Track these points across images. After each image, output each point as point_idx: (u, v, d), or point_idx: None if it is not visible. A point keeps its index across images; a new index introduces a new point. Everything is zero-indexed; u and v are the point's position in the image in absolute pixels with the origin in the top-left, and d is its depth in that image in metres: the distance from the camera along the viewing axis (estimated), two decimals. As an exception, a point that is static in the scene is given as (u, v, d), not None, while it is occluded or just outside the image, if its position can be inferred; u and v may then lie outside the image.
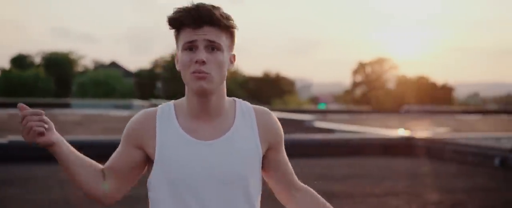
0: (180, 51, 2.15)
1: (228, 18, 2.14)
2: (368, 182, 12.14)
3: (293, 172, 2.43)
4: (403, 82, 63.39)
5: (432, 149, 17.38)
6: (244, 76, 76.76)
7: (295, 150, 16.47)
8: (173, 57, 72.70)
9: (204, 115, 2.18)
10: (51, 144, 2.14)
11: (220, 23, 2.11)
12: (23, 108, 2.09)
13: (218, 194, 2.15)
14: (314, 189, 2.48)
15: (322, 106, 54.18)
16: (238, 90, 69.54)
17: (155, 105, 2.32)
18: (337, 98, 75.79)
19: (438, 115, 36.10)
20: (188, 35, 2.10)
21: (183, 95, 2.23)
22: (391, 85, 66.40)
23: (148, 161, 2.27)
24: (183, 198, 2.15)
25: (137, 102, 46.64)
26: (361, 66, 69.69)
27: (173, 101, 2.29)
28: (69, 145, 2.21)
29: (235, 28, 2.18)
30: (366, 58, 69.96)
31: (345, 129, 21.62)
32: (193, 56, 2.09)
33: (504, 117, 36.18)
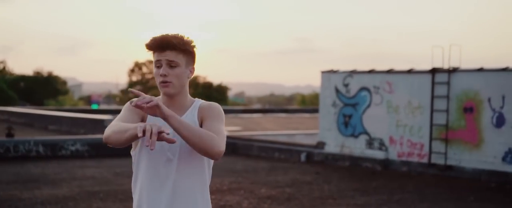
0: (153, 67, 3.14)
1: (185, 43, 3.08)
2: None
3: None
4: (180, 81, 64.32)
5: (239, 146, 18.05)
6: (13, 75, 72.88)
7: (116, 151, 16.30)
8: None
9: (171, 109, 3.06)
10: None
11: (177, 47, 3.06)
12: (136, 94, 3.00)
13: (176, 156, 3.12)
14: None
15: (95, 107, 52.95)
16: (8, 90, 65.79)
17: None
18: (109, 98, 74.71)
19: (230, 113, 37.28)
20: (156, 56, 3.10)
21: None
22: (167, 84, 67.06)
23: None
24: (155, 159, 3.13)
25: None
26: (137, 66, 69.49)
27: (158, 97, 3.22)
28: None
29: (191, 50, 3.13)
30: (141, 58, 69.77)
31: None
32: (159, 71, 3.08)
33: (283, 115, 38.31)
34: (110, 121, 23.23)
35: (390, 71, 14.84)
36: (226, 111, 40.10)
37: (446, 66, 14.07)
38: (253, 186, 11.83)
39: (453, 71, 13.70)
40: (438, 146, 13.83)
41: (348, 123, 15.64)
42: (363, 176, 13.62)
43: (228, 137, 18.60)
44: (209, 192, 3.27)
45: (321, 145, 16.20)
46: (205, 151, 2.98)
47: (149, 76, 68.10)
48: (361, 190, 11.75)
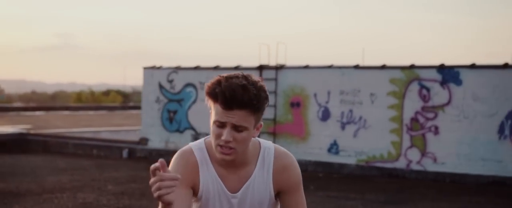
0: (212, 121, 2.44)
1: (258, 98, 2.37)
2: (28, 179, 11.72)
3: None
4: None
5: (51, 144, 17.31)
6: None
7: None
8: None
9: (231, 167, 2.55)
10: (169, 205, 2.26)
11: (248, 107, 2.36)
12: (163, 167, 2.18)
13: None
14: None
15: None
16: None
17: None
18: None
19: (11, 111, 35.30)
20: (219, 114, 2.37)
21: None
22: None
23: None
24: None
25: None
26: None
27: (204, 142, 2.60)
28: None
29: (264, 108, 2.46)
30: None
31: None
32: (221, 132, 2.39)
33: (66, 113, 37.12)
34: None
35: (216, 68, 15.19)
36: (5, 109, 37.94)
37: (268, 63, 14.77)
38: (97, 183, 11.49)
39: (280, 68, 14.40)
40: (266, 139, 14.40)
41: (173, 118, 15.73)
42: (195, 171, 13.78)
43: (38, 135, 17.82)
44: None
45: (144, 141, 16.10)
46: None
47: None
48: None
